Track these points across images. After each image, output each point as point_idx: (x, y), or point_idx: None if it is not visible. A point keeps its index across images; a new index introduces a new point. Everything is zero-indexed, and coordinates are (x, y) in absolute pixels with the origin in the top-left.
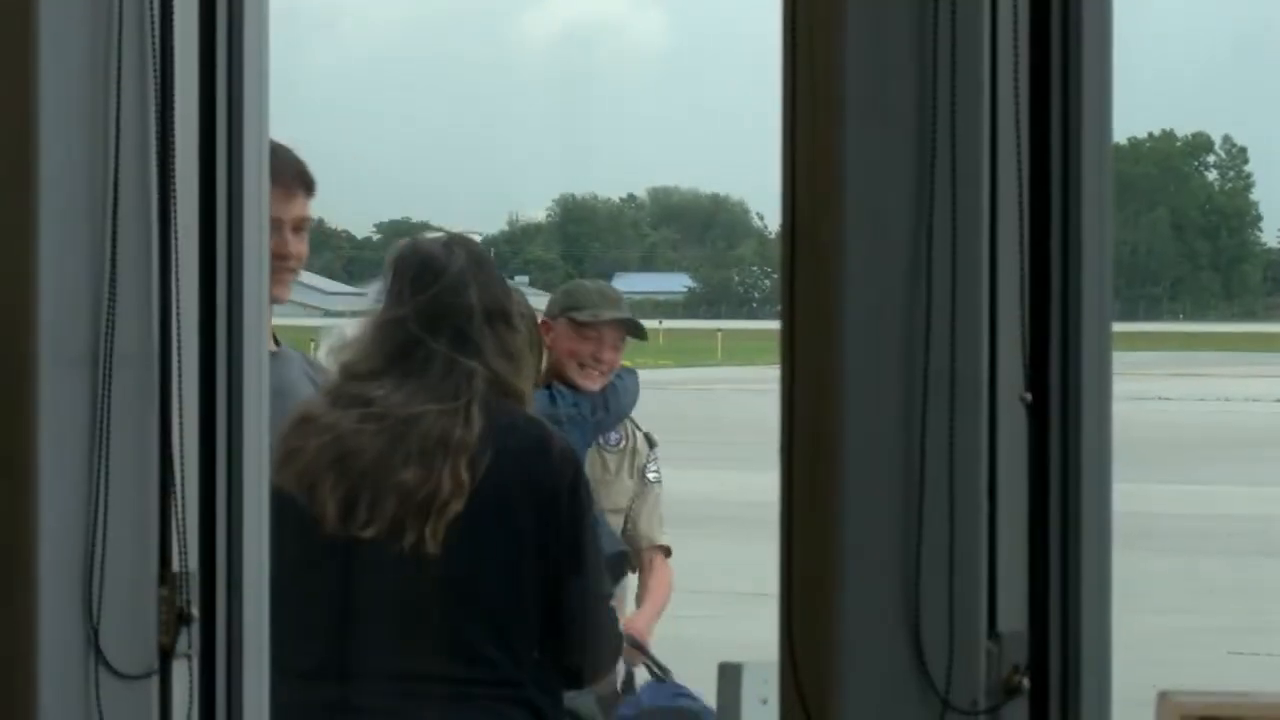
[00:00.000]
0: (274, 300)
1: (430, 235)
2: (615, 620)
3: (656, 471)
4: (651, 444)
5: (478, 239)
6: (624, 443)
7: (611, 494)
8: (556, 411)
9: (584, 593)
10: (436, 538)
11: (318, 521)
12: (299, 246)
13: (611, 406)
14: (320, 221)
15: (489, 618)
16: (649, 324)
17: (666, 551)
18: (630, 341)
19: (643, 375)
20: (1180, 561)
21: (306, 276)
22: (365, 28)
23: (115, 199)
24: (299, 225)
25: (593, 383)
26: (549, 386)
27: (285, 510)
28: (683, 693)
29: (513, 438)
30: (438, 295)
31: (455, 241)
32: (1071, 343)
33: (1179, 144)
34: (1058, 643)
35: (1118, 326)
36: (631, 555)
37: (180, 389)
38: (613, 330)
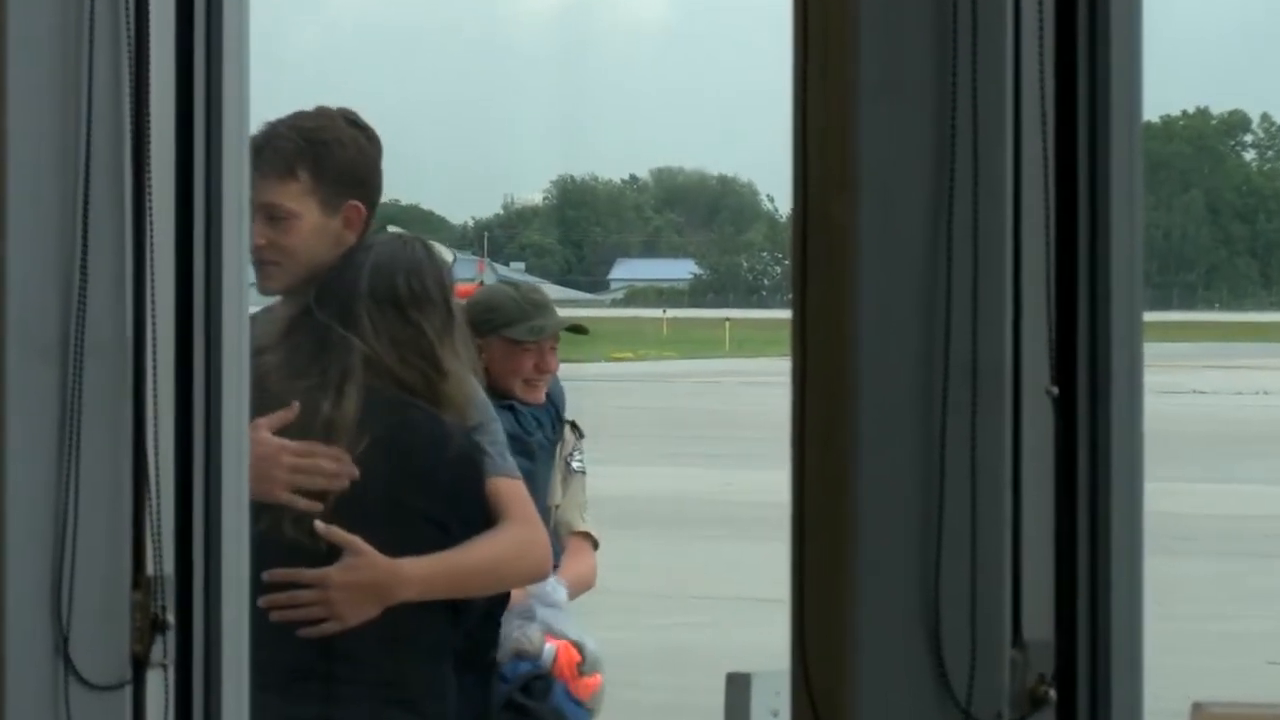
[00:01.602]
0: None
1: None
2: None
3: (581, 460)
4: (579, 434)
5: (449, 256)
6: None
7: (550, 494)
8: (529, 438)
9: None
10: (304, 528)
11: None
12: (265, 237)
13: (561, 415)
14: None
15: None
16: (652, 313)
17: (594, 543)
18: (634, 334)
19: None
20: (1216, 564)
21: None
22: None
23: (86, 178)
24: (269, 212)
25: (539, 394)
26: (509, 407)
27: None
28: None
29: (403, 432)
30: (339, 271)
31: (402, 235)
32: (1100, 333)
33: (1214, 122)
34: (1086, 651)
35: (1149, 316)
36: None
37: (155, 380)
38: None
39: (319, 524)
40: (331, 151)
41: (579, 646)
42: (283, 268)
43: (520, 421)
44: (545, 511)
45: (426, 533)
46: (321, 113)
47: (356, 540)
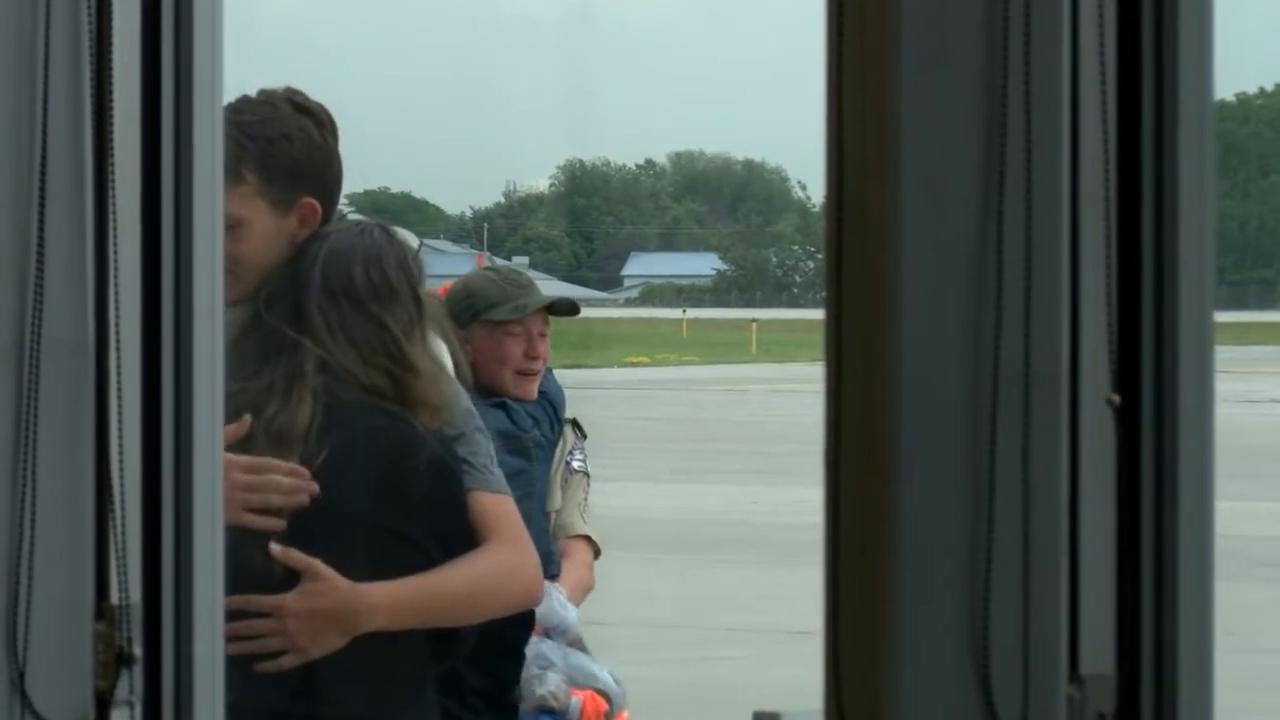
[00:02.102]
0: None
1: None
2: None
3: (582, 460)
4: (581, 433)
5: (414, 242)
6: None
7: (550, 498)
8: (524, 435)
9: None
10: (262, 550)
11: None
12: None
13: (559, 415)
14: None
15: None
16: (671, 313)
17: (596, 550)
18: (651, 336)
19: (663, 373)
20: None
21: None
22: None
23: (43, 159)
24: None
25: (531, 389)
26: (501, 404)
27: None
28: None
29: (366, 439)
30: (290, 267)
31: (360, 222)
32: (1167, 335)
33: None
34: (1150, 687)
35: (1222, 316)
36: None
37: (120, 384)
38: (536, 318)
39: (274, 546)
40: (277, 148)
41: (604, 694)
42: (236, 276)
43: (513, 418)
44: (544, 516)
45: (401, 553)
46: (264, 101)
47: (315, 563)
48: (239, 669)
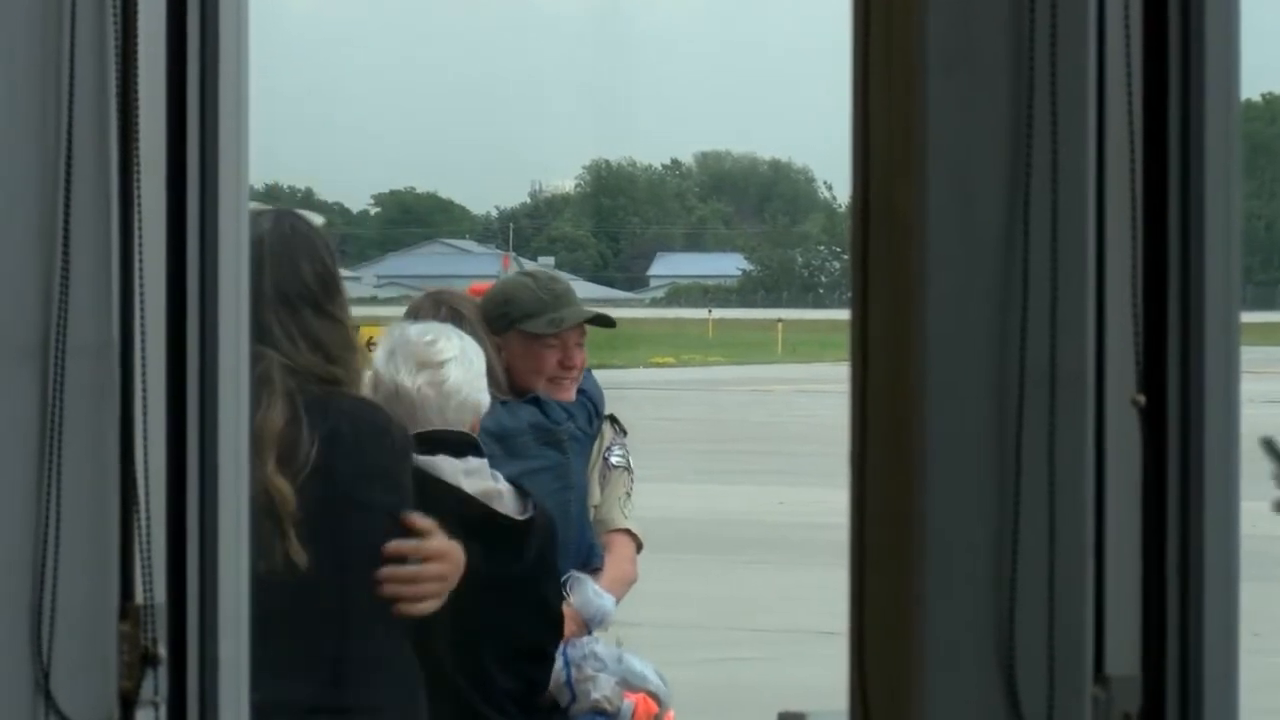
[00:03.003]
0: None
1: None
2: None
3: (622, 454)
4: (620, 429)
5: (318, 220)
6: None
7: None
8: (556, 428)
9: None
10: (290, 548)
11: None
12: None
13: (599, 410)
14: (309, 192)
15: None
16: (696, 313)
17: (638, 543)
18: (676, 336)
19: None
20: None
21: None
22: None
23: (69, 162)
24: None
25: (568, 393)
26: (535, 399)
27: None
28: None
29: (344, 423)
30: None
31: (270, 214)
32: (1193, 336)
33: None
34: (1175, 688)
35: (1249, 316)
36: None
37: (144, 386)
38: (575, 329)
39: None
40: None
41: (655, 696)
42: None
43: (547, 412)
44: (584, 509)
45: (385, 525)
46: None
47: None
48: (266, 667)
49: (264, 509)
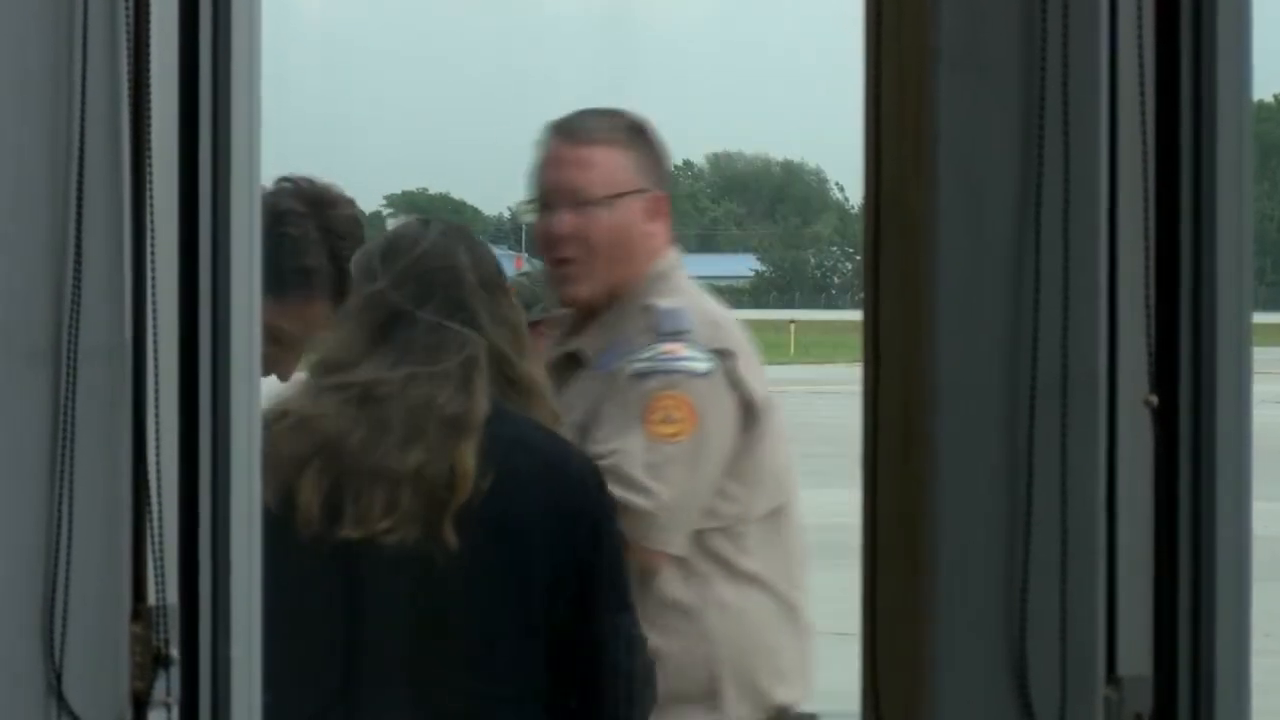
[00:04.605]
0: None
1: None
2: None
3: None
4: None
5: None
6: None
7: None
8: None
9: (630, 633)
10: (440, 532)
11: (302, 528)
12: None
13: None
14: None
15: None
16: None
17: None
18: None
19: None
20: None
21: None
22: None
23: (80, 163)
24: None
25: None
26: None
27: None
28: None
29: (520, 456)
30: (419, 259)
31: (432, 219)
32: (1205, 337)
33: None
34: (1188, 689)
35: (1261, 317)
36: None
37: (157, 389)
38: None
39: None
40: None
41: None
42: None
43: None
44: None
45: (554, 572)
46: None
47: None
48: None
49: (421, 487)
